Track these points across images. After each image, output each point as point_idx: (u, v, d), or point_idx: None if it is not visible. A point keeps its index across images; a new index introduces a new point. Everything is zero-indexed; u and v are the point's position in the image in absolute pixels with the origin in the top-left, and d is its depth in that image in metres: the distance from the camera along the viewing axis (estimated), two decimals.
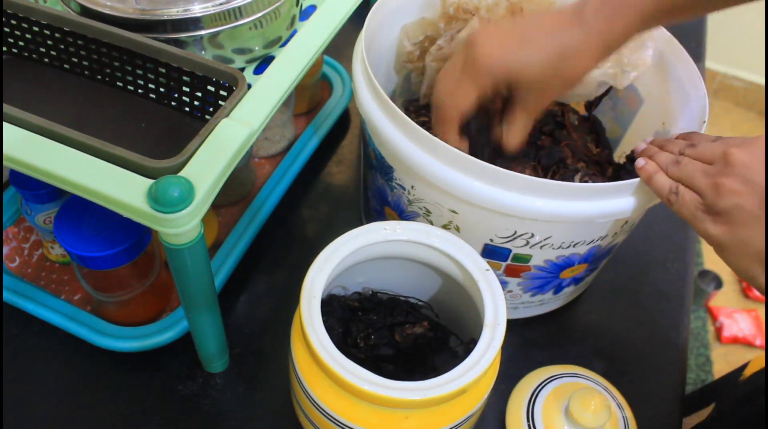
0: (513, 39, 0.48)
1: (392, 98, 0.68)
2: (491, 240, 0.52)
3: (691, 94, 0.56)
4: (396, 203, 0.56)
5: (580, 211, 0.47)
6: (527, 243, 0.51)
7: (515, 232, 0.50)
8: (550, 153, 0.58)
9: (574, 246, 0.52)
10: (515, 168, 0.56)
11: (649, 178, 0.47)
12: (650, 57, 0.57)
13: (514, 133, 0.52)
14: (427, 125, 0.62)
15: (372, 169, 0.58)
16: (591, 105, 0.65)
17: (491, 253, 0.53)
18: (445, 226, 0.53)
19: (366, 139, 0.57)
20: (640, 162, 0.48)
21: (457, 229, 0.53)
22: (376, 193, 0.60)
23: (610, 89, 0.63)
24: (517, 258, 0.53)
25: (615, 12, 0.46)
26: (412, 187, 0.53)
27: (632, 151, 0.54)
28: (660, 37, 0.58)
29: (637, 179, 0.47)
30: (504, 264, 0.54)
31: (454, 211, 0.51)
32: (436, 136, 0.48)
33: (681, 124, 0.56)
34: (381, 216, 0.61)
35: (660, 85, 0.59)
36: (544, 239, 0.51)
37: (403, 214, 0.57)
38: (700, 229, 0.43)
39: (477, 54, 0.48)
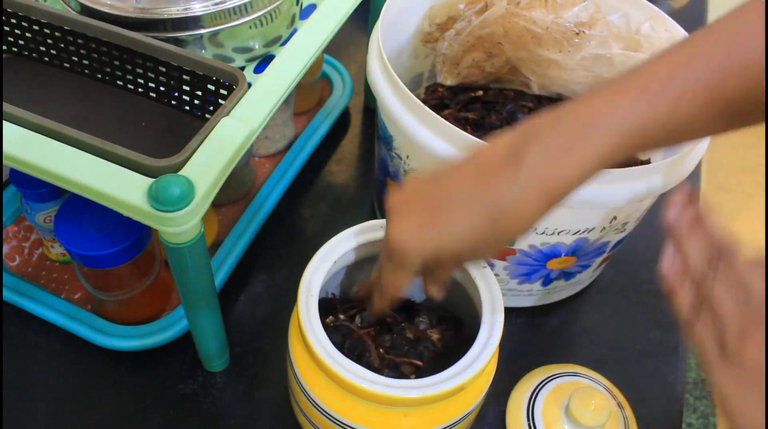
0: (426, 209, 0.38)
1: (420, 81, 0.70)
2: None
3: None
4: (395, 173, 0.58)
5: None
6: None
7: None
8: None
9: (558, 234, 0.52)
10: None
11: (671, 289, 0.35)
12: None
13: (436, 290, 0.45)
14: (437, 106, 0.63)
15: (379, 140, 0.60)
16: None
17: None
18: None
19: (377, 110, 0.59)
20: (665, 263, 0.35)
21: None
22: (381, 164, 0.62)
23: None
24: None
25: (566, 149, 0.35)
26: (408, 156, 0.54)
27: None
28: None
29: (615, 170, 0.46)
30: None
31: None
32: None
33: None
34: (384, 187, 0.63)
35: None
36: None
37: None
38: (707, 368, 0.32)
39: (390, 241, 0.39)
